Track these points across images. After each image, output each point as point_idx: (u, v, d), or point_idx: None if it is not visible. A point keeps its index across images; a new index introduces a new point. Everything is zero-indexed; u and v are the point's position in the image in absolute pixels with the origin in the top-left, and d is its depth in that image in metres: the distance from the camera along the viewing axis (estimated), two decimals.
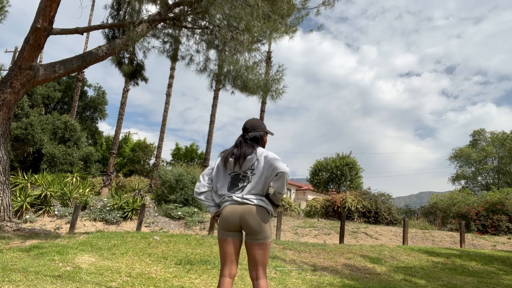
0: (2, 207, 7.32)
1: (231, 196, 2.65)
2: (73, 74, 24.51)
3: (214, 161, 2.89)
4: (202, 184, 2.79)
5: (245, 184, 2.66)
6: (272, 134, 2.99)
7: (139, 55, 10.98)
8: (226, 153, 2.78)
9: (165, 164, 28.60)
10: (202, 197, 2.77)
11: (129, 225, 11.91)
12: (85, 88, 29.17)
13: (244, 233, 2.68)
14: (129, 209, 12.52)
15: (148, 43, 10.43)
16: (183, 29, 10.20)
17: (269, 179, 2.65)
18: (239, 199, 2.62)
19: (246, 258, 2.66)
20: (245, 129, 2.86)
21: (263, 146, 2.87)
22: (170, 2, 9.12)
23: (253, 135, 2.82)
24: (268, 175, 2.64)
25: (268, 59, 21.20)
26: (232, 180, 2.72)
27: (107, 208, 12.50)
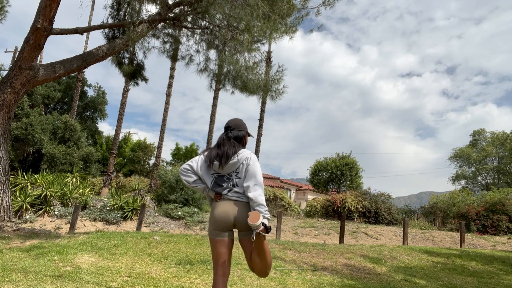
0: (2, 207, 7.32)
1: (221, 194, 2.70)
2: (73, 74, 24.52)
3: (195, 158, 2.86)
4: (188, 175, 2.79)
5: (229, 185, 2.69)
6: (252, 136, 3.03)
7: (139, 55, 10.99)
8: (209, 154, 2.77)
9: (165, 164, 28.61)
10: (196, 184, 2.78)
11: (129, 225, 11.90)
12: (85, 88, 29.17)
13: (236, 230, 2.72)
14: (129, 209, 12.52)
15: (148, 43, 10.43)
16: (183, 29, 10.20)
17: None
18: (230, 197, 2.66)
19: (245, 258, 2.67)
20: (228, 127, 2.87)
21: (244, 146, 2.89)
22: (170, 2, 9.12)
23: (236, 134, 2.83)
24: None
25: (268, 59, 21.19)
26: (216, 180, 2.74)
27: (107, 208, 12.50)
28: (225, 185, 2.70)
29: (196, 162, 2.81)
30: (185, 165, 2.82)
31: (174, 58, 10.69)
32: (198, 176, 2.79)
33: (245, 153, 2.73)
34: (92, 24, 19.97)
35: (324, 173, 23.79)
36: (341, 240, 9.71)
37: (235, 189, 2.67)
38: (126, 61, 10.86)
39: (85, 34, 16.71)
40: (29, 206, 11.75)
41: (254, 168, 2.66)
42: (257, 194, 2.56)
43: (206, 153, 2.82)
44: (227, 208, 2.63)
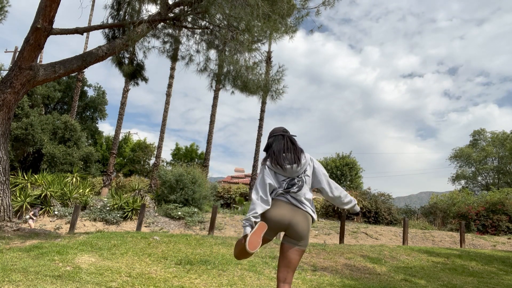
0: (2, 207, 7.32)
1: (286, 195, 2.62)
2: (73, 74, 24.52)
3: (261, 171, 2.71)
4: (263, 206, 2.58)
5: (300, 184, 2.64)
6: None
7: (139, 55, 10.98)
8: (278, 160, 2.66)
9: (165, 164, 28.61)
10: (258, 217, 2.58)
11: (129, 225, 11.91)
12: (85, 88, 29.19)
13: (281, 234, 2.67)
14: (129, 209, 12.52)
15: (148, 43, 10.42)
16: (183, 29, 10.19)
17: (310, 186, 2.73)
18: (293, 201, 2.61)
19: (278, 265, 2.66)
20: (286, 130, 2.87)
21: None
22: (170, 2, 9.12)
23: (294, 138, 2.83)
24: (311, 183, 2.72)
25: (268, 59, 21.19)
26: (287, 185, 2.64)
27: (107, 208, 12.50)
28: (296, 186, 2.64)
29: (265, 175, 2.65)
30: (262, 193, 2.58)
31: (174, 58, 10.68)
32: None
33: (307, 154, 2.78)
34: (92, 24, 19.98)
35: None
36: (341, 240, 9.71)
37: (304, 190, 2.63)
38: (126, 61, 10.86)
39: (85, 34, 16.71)
40: (29, 206, 11.76)
41: (322, 169, 2.76)
42: (345, 192, 2.77)
43: (275, 160, 2.68)
44: (285, 211, 2.57)
